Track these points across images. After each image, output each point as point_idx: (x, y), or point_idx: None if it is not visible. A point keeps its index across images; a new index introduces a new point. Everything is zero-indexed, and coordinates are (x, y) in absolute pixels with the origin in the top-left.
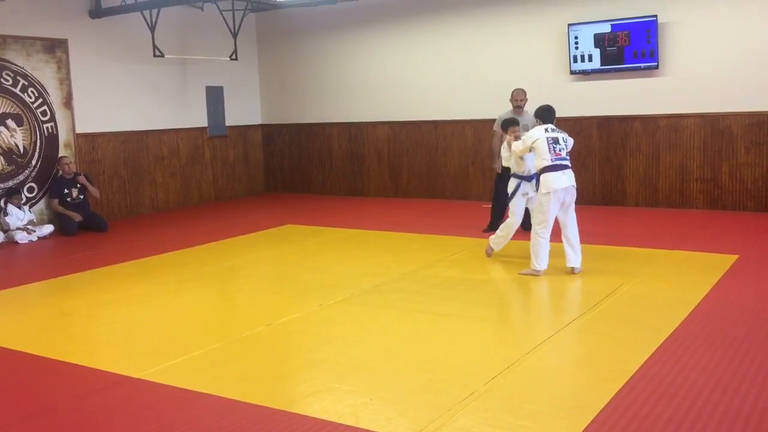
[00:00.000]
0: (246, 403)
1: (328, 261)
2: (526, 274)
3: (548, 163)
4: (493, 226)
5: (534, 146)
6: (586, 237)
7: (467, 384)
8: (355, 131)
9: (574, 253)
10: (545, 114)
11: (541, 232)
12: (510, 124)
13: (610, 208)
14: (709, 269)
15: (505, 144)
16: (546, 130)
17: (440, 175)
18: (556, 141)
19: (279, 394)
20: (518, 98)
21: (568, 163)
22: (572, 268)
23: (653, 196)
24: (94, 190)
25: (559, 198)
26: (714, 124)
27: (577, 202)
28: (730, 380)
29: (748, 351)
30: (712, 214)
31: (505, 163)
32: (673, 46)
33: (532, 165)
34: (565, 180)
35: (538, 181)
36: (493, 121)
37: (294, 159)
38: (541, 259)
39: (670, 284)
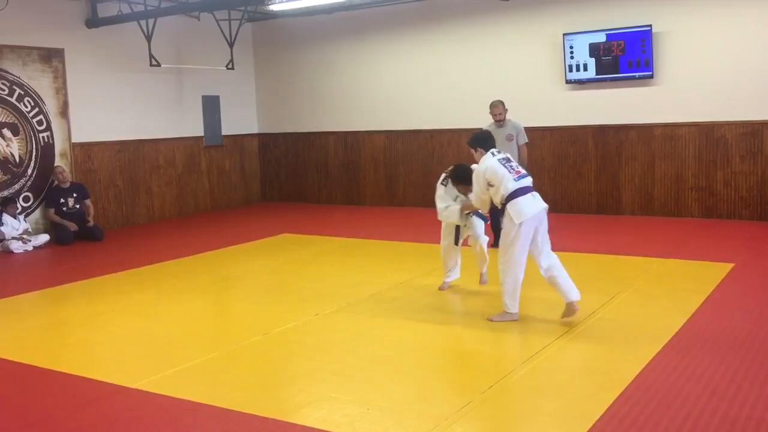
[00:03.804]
0: (242, 412)
1: (325, 270)
2: (499, 320)
3: (513, 186)
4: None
5: (489, 178)
6: (581, 245)
7: (464, 393)
8: (351, 140)
9: (568, 282)
10: (484, 141)
11: (512, 271)
12: (462, 181)
13: (606, 217)
14: (704, 277)
15: (455, 208)
16: (492, 154)
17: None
18: (508, 160)
19: (276, 403)
20: (496, 113)
21: (531, 182)
22: (572, 303)
23: (648, 204)
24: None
25: (531, 227)
26: (709, 133)
27: (573, 211)
28: (727, 389)
29: (744, 359)
30: (707, 222)
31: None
32: (667, 56)
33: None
34: (537, 204)
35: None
36: None
37: (290, 168)
38: (516, 301)
39: (665, 293)
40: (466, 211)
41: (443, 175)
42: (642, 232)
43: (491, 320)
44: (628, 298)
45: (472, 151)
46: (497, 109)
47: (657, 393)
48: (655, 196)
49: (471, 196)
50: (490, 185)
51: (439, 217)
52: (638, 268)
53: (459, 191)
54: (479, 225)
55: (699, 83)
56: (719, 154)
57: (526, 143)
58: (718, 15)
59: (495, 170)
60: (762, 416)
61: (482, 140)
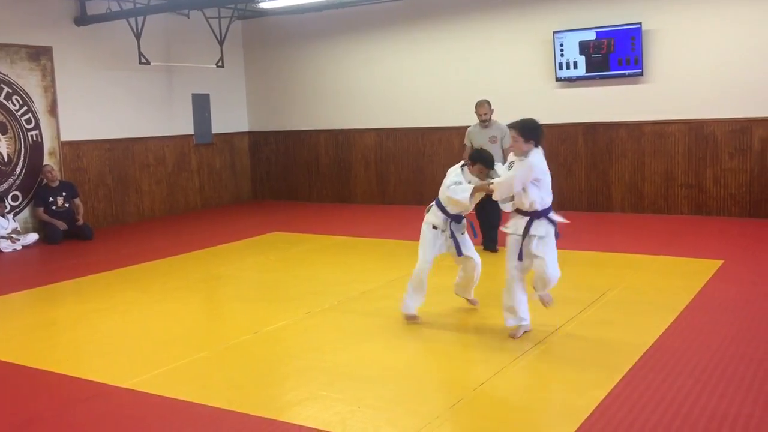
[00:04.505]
0: (233, 411)
1: (316, 268)
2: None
3: (550, 199)
4: (488, 242)
5: (538, 177)
6: (572, 243)
7: (455, 391)
8: (342, 138)
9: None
10: (539, 134)
11: (557, 270)
12: (482, 161)
13: (596, 214)
14: (694, 274)
15: (468, 186)
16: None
17: (427, 182)
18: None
19: (266, 402)
20: (481, 113)
21: None
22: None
23: (639, 201)
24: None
25: None
26: (698, 131)
27: (564, 208)
28: (716, 385)
29: (734, 356)
30: (696, 219)
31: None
32: (657, 54)
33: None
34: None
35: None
36: None
37: (281, 166)
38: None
39: (655, 289)
40: (477, 193)
41: (460, 163)
42: (632, 229)
43: (512, 336)
44: (618, 295)
45: (520, 140)
46: (483, 108)
47: (647, 390)
48: (645, 193)
49: (498, 180)
50: (534, 182)
51: (447, 192)
52: (628, 265)
53: (475, 175)
54: (470, 243)
55: (688, 81)
56: (708, 152)
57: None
58: (708, 13)
59: (546, 173)
60: (751, 413)
61: (537, 132)
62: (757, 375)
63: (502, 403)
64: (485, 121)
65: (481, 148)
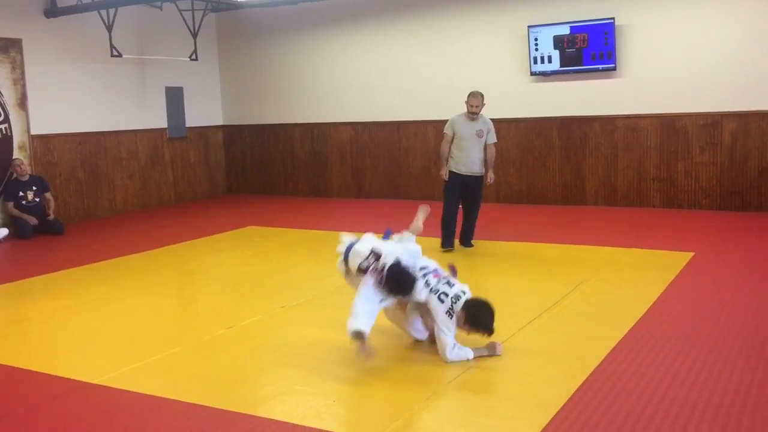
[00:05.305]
0: (207, 407)
1: (291, 263)
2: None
3: None
4: (446, 241)
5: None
6: (546, 236)
7: (430, 383)
8: (317, 132)
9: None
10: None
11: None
12: (477, 327)
13: (570, 207)
14: (666, 266)
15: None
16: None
17: (403, 176)
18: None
19: (241, 397)
20: (473, 104)
21: None
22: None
23: (612, 195)
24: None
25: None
26: (670, 125)
27: (538, 202)
28: (686, 375)
29: (704, 346)
30: (668, 212)
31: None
32: (630, 48)
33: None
34: None
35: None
36: None
37: (256, 160)
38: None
39: (628, 281)
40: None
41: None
42: (605, 222)
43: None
44: (591, 287)
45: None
46: (476, 100)
47: (619, 380)
48: (618, 186)
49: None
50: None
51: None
52: (602, 257)
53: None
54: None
55: (660, 75)
56: (680, 146)
57: (495, 143)
58: (680, 8)
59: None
60: (720, 402)
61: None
62: (726, 364)
63: (476, 394)
64: (474, 114)
65: (488, 308)
